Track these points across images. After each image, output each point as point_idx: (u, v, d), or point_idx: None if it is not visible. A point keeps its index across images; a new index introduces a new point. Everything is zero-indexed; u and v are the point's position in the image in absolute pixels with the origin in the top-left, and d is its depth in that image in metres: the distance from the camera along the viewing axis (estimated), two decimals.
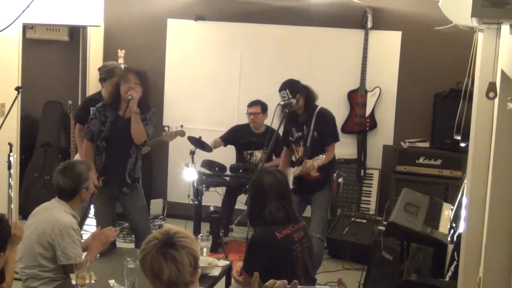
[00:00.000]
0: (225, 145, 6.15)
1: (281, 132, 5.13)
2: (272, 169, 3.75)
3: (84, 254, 3.60)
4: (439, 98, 6.05)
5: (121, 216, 5.24)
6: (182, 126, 5.54)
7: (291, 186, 4.33)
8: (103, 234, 3.83)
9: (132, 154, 4.63)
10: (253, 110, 6.00)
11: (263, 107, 5.98)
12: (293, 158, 5.17)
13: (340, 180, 5.07)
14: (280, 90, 4.91)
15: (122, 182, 4.62)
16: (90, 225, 6.22)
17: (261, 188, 3.47)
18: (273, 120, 4.94)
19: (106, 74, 5.38)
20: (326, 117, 5.02)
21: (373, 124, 6.38)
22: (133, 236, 5.81)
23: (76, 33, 6.97)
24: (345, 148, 6.40)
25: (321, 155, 4.74)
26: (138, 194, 4.75)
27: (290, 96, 4.83)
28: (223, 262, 3.83)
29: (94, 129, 4.61)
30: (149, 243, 2.22)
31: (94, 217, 6.05)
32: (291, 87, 4.89)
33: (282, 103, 4.88)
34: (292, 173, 4.95)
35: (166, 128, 5.48)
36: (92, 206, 5.02)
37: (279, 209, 3.41)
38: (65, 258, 3.47)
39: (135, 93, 4.46)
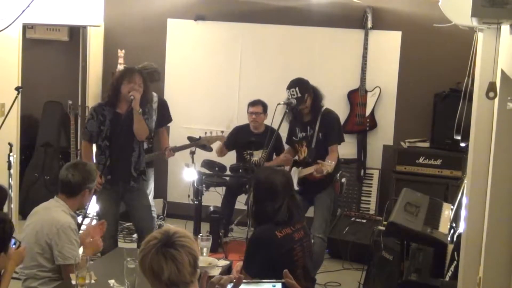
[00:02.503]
0: (228, 150, 6.13)
1: (281, 131, 5.13)
2: (279, 169, 3.72)
3: (81, 253, 3.59)
4: (439, 98, 6.05)
5: (122, 216, 5.24)
6: (222, 132, 5.56)
7: (296, 187, 4.33)
8: (93, 229, 3.82)
9: (135, 147, 4.66)
10: (254, 110, 6.00)
11: (264, 107, 5.98)
12: (296, 158, 5.17)
13: (343, 180, 5.06)
14: (289, 88, 4.91)
15: (129, 177, 4.65)
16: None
17: (273, 188, 3.45)
18: (273, 119, 4.94)
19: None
20: (331, 118, 5.02)
21: (373, 124, 6.38)
22: (133, 236, 5.83)
23: (76, 33, 6.97)
24: (345, 148, 6.36)
25: (331, 162, 4.75)
26: (143, 194, 4.81)
27: (299, 95, 4.84)
28: (223, 262, 3.83)
29: (92, 129, 4.63)
30: (149, 243, 2.22)
31: (96, 217, 6.06)
32: (301, 86, 4.90)
33: (282, 103, 4.89)
34: (297, 174, 4.95)
35: (206, 133, 5.52)
36: (90, 205, 5.02)
37: (287, 209, 3.40)
38: (62, 258, 3.44)
39: (137, 93, 4.51)
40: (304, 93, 4.86)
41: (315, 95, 4.98)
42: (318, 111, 4.98)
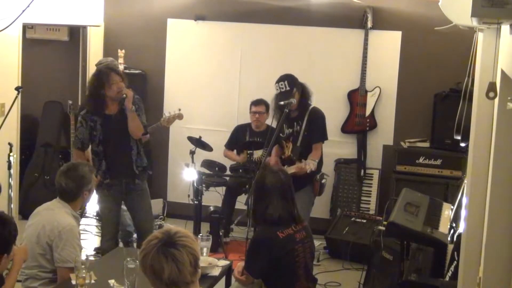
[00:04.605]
0: (232, 150, 6.14)
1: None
2: (275, 168, 3.74)
3: (84, 256, 3.59)
4: (439, 98, 6.05)
5: None
6: (180, 110, 5.51)
7: None
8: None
9: (133, 145, 4.64)
10: (257, 109, 6.00)
11: (267, 107, 5.98)
12: (282, 156, 5.19)
13: (323, 181, 5.06)
14: (278, 81, 4.98)
15: (133, 175, 4.63)
16: (90, 225, 6.24)
17: (264, 187, 3.47)
18: (273, 120, 4.97)
19: None
20: (317, 116, 5.06)
21: (373, 124, 6.38)
22: (133, 236, 5.82)
23: (76, 33, 6.97)
24: (345, 148, 6.40)
25: (314, 160, 4.78)
26: (146, 194, 4.78)
27: (288, 88, 4.88)
28: (223, 262, 3.82)
29: (83, 137, 4.60)
30: (150, 243, 2.22)
31: (96, 217, 6.07)
32: (290, 80, 4.96)
33: (282, 103, 4.90)
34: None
35: (165, 113, 5.46)
36: (88, 205, 5.01)
37: (281, 209, 3.41)
38: (61, 261, 3.43)
39: (129, 92, 4.50)
40: (292, 87, 4.92)
41: (303, 91, 5.02)
42: (305, 107, 5.02)
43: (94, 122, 4.58)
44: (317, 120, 5.04)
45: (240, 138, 6.09)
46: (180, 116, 5.48)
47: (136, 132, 4.58)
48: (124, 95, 4.47)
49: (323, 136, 5.10)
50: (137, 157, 4.66)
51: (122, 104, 4.51)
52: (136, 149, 4.66)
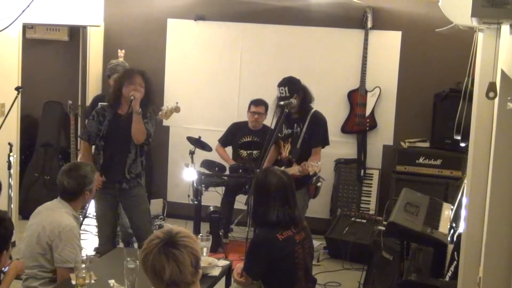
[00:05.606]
0: (225, 147, 6.16)
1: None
2: (278, 170, 3.71)
3: (84, 255, 3.59)
4: (439, 98, 6.05)
5: None
6: (177, 103, 5.51)
7: None
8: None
9: (132, 149, 4.60)
10: (257, 110, 6.00)
11: (266, 108, 5.97)
12: (279, 157, 5.18)
13: (319, 184, 5.05)
14: (279, 86, 4.98)
15: (122, 178, 4.60)
16: (90, 225, 6.23)
17: (267, 191, 3.45)
18: (272, 120, 4.97)
19: (109, 71, 5.64)
20: (319, 121, 5.06)
21: (373, 124, 6.38)
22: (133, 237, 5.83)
23: (76, 33, 6.97)
24: (345, 148, 6.40)
25: (318, 162, 4.77)
26: (139, 200, 4.73)
27: (287, 94, 4.89)
28: (223, 262, 3.82)
29: (91, 130, 4.61)
30: (151, 242, 2.23)
31: (94, 217, 6.06)
32: (291, 86, 4.95)
33: (282, 103, 4.90)
34: None
35: (162, 107, 5.46)
36: (89, 206, 5.01)
37: (282, 212, 3.40)
38: (60, 261, 3.43)
39: (137, 93, 4.48)
40: (292, 93, 4.91)
41: (304, 96, 5.01)
42: (306, 112, 5.02)
43: (104, 117, 4.60)
44: (319, 125, 5.04)
45: (237, 136, 6.08)
46: (177, 109, 5.47)
47: (137, 135, 4.52)
48: (132, 97, 4.46)
49: (323, 141, 5.09)
50: (133, 163, 4.61)
51: (130, 105, 4.50)
52: (134, 154, 4.60)
